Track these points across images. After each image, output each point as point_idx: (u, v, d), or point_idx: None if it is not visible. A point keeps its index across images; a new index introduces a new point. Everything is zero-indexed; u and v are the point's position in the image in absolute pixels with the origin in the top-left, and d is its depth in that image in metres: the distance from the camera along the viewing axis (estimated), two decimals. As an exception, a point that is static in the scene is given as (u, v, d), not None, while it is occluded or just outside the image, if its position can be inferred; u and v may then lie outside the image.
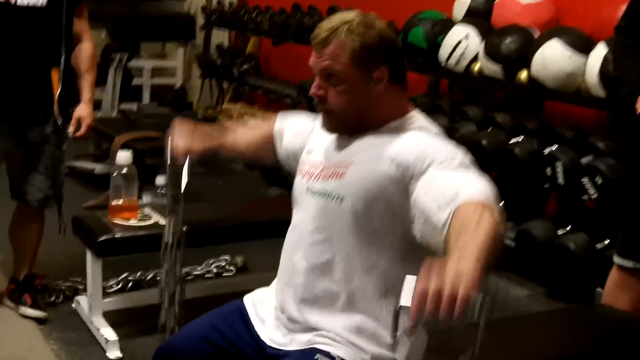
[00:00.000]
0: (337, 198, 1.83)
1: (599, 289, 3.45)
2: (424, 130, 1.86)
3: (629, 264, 2.80)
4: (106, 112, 6.70)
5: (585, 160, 3.62)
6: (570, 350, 2.18)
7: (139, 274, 3.68)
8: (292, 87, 6.04)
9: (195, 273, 3.84)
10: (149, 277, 3.68)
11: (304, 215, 1.92)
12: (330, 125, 1.90)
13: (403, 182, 1.75)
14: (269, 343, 1.93)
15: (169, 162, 2.44)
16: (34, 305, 3.32)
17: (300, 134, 2.11)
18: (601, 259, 3.45)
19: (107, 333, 3.10)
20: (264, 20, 6.21)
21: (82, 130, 3.29)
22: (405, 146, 1.79)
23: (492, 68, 4.03)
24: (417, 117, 1.91)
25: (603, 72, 3.51)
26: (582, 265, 3.54)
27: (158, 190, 4.41)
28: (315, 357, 1.81)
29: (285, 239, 1.99)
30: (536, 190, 4.05)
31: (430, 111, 4.46)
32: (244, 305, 2.03)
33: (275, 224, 2.38)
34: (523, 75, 3.91)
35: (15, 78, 3.15)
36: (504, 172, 4.06)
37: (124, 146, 4.32)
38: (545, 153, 3.73)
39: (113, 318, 3.24)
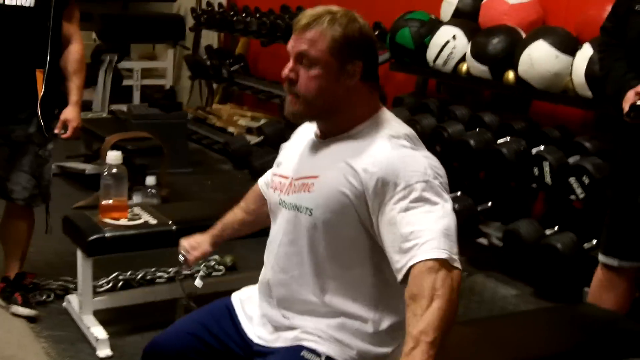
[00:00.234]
0: (307, 210, 1.85)
1: (586, 289, 3.48)
2: (393, 139, 1.83)
3: (613, 262, 2.83)
4: (97, 112, 6.71)
5: (572, 160, 3.66)
6: (552, 349, 2.21)
7: (129, 273, 3.70)
8: (281, 87, 5.98)
9: (185, 273, 3.84)
10: (139, 276, 3.70)
11: (278, 227, 1.95)
12: (295, 109, 1.88)
13: (365, 199, 1.78)
14: (255, 340, 1.96)
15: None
16: (24, 304, 3.33)
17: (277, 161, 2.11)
18: (588, 258, 3.48)
19: (97, 331, 3.11)
20: (252, 21, 6.24)
21: (69, 132, 3.30)
22: (370, 162, 1.78)
23: (480, 68, 4.07)
24: (386, 119, 1.90)
25: (589, 72, 3.54)
26: (569, 264, 3.57)
27: (148, 191, 4.44)
28: (302, 354, 1.84)
29: (265, 252, 2.02)
30: (523, 190, 4.09)
31: (418, 111, 4.50)
32: (231, 303, 2.06)
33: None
34: (510, 75, 3.95)
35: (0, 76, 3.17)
36: (492, 172, 4.10)
37: (114, 147, 4.33)
38: (533, 153, 3.76)
39: (103, 317, 3.25)
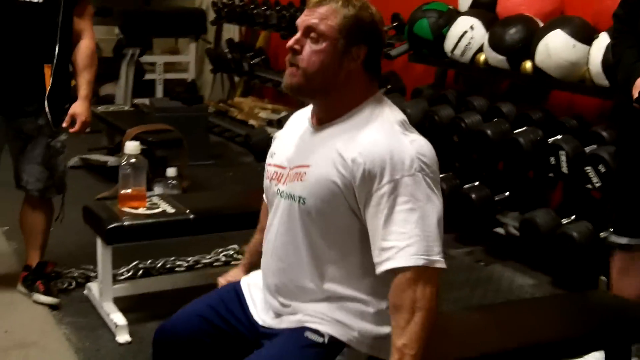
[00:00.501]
0: (301, 199, 1.88)
1: (602, 277, 3.49)
2: (384, 126, 1.86)
3: (623, 240, 2.83)
4: (119, 106, 6.78)
5: (588, 149, 3.66)
6: (560, 334, 2.23)
7: (149, 262, 3.75)
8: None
9: (204, 261, 3.91)
10: (158, 265, 3.75)
11: (274, 216, 1.97)
12: (293, 81, 1.88)
13: (354, 189, 1.82)
14: (260, 323, 2.00)
15: None
16: (46, 292, 3.40)
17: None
18: (605, 247, 3.48)
19: (117, 318, 3.17)
20: (272, 14, 6.27)
21: (77, 126, 3.33)
22: (358, 152, 1.81)
23: (497, 58, 4.07)
24: (380, 105, 1.91)
25: (606, 61, 3.53)
26: (585, 253, 3.57)
27: (168, 182, 4.50)
28: (305, 335, 1.88)
29: (263, 241, 2.05)
30: (541, 180, 4.09)
31: (436, 102, 4.52)
32: (240, 287, 2.10)
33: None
34: (527, 65, 3.95)
35: (7, 71, 3.22)
36: (509, 162, 4.10)
37: (135, 139, 4.38)
38: (549, 142, 3.76)
39: (123, 304, 3.31)
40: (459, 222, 4.37)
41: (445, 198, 4.12)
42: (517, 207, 4.12)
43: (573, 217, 3.77)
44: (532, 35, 3.92)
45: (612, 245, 2.93)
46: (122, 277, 3.62)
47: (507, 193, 4.17)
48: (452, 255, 4.28)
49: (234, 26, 7.59)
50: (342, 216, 1.86)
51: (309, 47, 1.86)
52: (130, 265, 3.69)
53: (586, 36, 3.71)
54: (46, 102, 3.25)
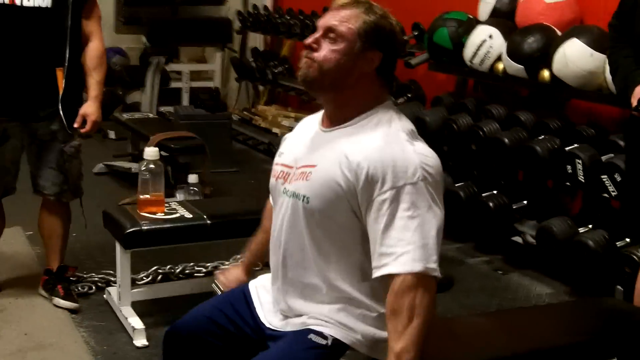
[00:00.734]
0: (305, 198, 1.92)
1: (618, 287, 3.49)
2: (390, 133, 1.89)
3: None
4: (145, 113, 6.87)
5: (605, 157, 3.66)
6: (567, 339, 2.23)
7: (168, 267, 3.80)
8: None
9: (223, 268, 3.94)
10: (177, 270, 3.80)
11: (279, 215, 2.01)
12: (309, 72, 1.92)
13: (356, 192, 1.86)
14: (267, 325, 2.05)
15: None
16: (66, 297, 3.46)
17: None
18: (621, 256, 3.48)
19: (135, 322, 3.22)
20: (295, 23, 6.32)
21: (87, 126, 3.39)
22: (363, 157, 1.85)
23: (515, 67, 4.09)
24: (389, 112, 1.95)
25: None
26: (601, 262, 3.56)
27: (190, 189, 4.55)
28: (309, 337, 1.91)
29: (270, 240, 2.09)
30: (559, 189, 4.09)
31: (455, 110, 4.53)
32: (248, 289, 2.15)
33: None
34: (545, 74, 3.96)
35: (20, 76, 3.28)
36: (526, 170, 4.11)
37: (158, 145, 4.44)
38: (566, 151, 3.76)
39: (142, 308, 3.36)
40: (476, 231, 4.39)
41: (463, 206, 4.20)
42: (535, 216, 4.12)
43: (590, 225, 3.77)
44: (550, 44, 3.93)
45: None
46: (142, 282, 3.67)
47: (525, 202, 4.18)
48: (470, 264, 4.29)
49: (259, 35, 7.66)
50: (345, 217, 1.89)
51: (326, 46, 1.91)
52: (150, 270, 3.74)
53: (603, 45, 3.69)
54: (60, 105, 3.31)
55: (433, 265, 1.81)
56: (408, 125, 1.95)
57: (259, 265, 2.51)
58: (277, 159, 2.09)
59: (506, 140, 4.00)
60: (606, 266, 3.56)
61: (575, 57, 3.75)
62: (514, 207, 4.16)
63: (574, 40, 3.77)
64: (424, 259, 1.80)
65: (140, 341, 3.18)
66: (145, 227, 3.20)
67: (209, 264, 3.89)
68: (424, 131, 4.19)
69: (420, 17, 5.08)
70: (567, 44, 3.79)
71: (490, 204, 4.12)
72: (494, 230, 4.23)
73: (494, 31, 4.27)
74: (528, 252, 4.16)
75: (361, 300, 1.93)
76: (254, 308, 2.09)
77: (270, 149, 6.28)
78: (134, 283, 3.47)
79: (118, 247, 3.31)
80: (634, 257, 3.36)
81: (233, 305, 2.09)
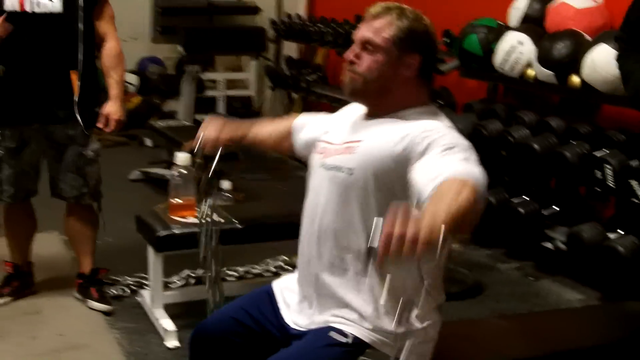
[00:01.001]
0: (348, 170, 1.97)
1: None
2: (435, 119, 1.98)
3: None
4: (180, 121, 6.96)
5: (634, 163, 3.64)
6: (589, 342, 2.24)
7: (201, 271, 3.85)
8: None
9: (254, 272, 4.00)
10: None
11: (315, 188, 2.07)
12: (353, 86, 2.01)
13: (406, 161, 1.88)
14: (292, 325, 2.09)
15: (196, 150, 2.67)
16: (99, 299, 3.55)
17: (320, 123, 2.25)
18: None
19: (166, 324, 3.28)
20: (328, 31, 6.37)
21: (111, 125, 3.45)
22: (414, 128, 1.91)
23: (545, 73, 4.09)
24: (432, 111, 2.02)
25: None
26: (631, 267, 3.55)
27: (223, 195, 4.60)
28: (329, 334, 1.96)
29: (303, 223, 2.13)
30: (590, 194, 4.07)
31: (486, 116, 4.54)
32: (272, 289, 2.20)
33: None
34: (575, 79, 3.96)
35: (35, 81, 3.35)
36: (556, 176, 4.10)
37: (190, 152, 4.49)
38: (596, 156, 3.76)
39: (174, 311, 3.42)
40: (507, 237, 4.39)
41: (494, 212, 4.19)
42: (565, 222, 4.11)
43: (621, 231, 3.75)
44: (580, 50, 3.93)
45: None
46: (175, 286, 3.74)
47: (557, 207, 4.17)
48: (501, 270, 4.29)
49: (292, 43, 7.72)
50: (387, 189, 1.92)
51: (367, 58, 1.98)
52: (182, 274, 3.80)
53: (633, 50, 3.70)
54: (75, 107, 3.36)
55: (481, 189, 1.70)
56: (448, 122, 2.01)
57: (237, 141, 2.59)
58: (323, 136, 2.13)
59: (536, 146, 4.00)
60: (636, 272, 3.55)
61: (603, 62, 3.74)
62: (545, 213, 4.16)
63: (603, 45, 3.76)
64: (477, 177, 1.72)
65: (172, 342, 3.24)
66: (177, 231, 3.26)
67: (240, 268, 3.95)
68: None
69: (450, 24, 5.10)
70: (596, 49, 3.79)
71: (521, 210, 4.13)
72: (525, 236, 4.23)
73: (524, 37, 4.28)
74: (559, 258, 4.14)
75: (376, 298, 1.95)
76: (278, 309, 2.13)
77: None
78: (166, 286, 3.53)
79: (150, 250, 3.37)
80: (664, 262, 3.35)
81: (258, 305, 2.14)
